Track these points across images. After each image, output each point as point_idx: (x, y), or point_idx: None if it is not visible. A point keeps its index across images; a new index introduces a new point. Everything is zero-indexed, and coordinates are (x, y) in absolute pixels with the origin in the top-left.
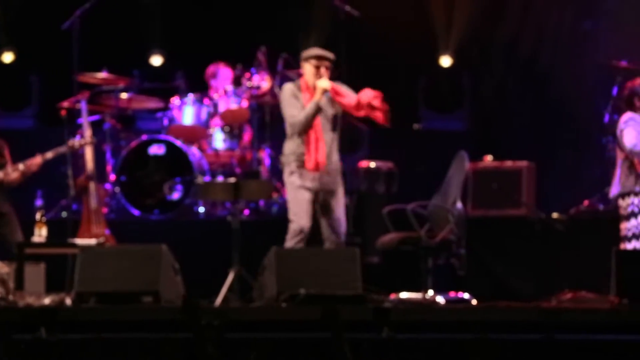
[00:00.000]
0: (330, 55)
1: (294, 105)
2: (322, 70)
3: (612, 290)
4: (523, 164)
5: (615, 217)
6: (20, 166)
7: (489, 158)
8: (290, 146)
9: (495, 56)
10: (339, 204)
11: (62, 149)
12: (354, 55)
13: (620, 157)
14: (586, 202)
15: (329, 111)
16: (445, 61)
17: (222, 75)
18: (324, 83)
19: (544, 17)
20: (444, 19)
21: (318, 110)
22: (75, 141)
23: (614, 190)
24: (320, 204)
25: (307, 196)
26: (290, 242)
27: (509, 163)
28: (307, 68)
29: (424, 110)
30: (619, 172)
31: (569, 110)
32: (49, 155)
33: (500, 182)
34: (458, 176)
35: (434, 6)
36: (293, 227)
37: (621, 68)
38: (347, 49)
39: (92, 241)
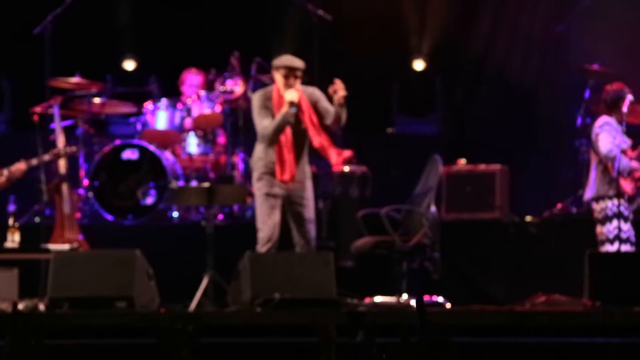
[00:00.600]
0: (299, 64)
1: (264, 115)
2: (292, 80)
3: (585, 293)
4: (496, 167)
5: (587, 219)
6: (5, 172)
7: (462, 162)
8: (259, 151)
9: (468, 60)
10: (309, 211)
11: (46, 157)
12: (327, 60)
13: (594, 160)
14: (559, 205)
15: (313, 116)
16: (419, 65)
17: (195, 80)
18: (291, 95)
19: (515, 21)
20: (417, 23)
21: (287, 122)
22: (61, 150)
23: (588, 193)
24: (290, 211)
25: (273, 203)
26: (260, 250)
27: (482, 166)
28: (277, 77)
29: (397, 114)
30: (593, 176)
31: (542, 113)
32: (34, 162)
33: (474, 185)
34: (432, 180)
35: (407, 10)
36: (260, 235)
37: (593, 71)
38: (320, 53)
39: (66, 246)
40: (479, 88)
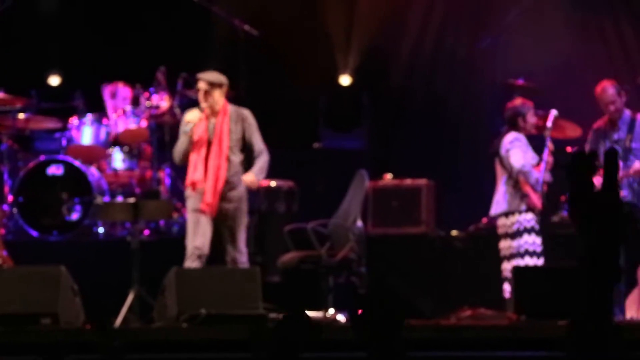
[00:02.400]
0: (209, 77)
1: (182, 132)
2: (203, 94)
3: (511, 307)
4: (422, 182)
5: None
6: None
7: (388, 176)
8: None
9: (395, 75)
10: (241, 234)
11: None
12: (254, 75)
13: (503, 175)
14: (484, 220)
15: (234, 135)
16: (345, 80)
17: (120, 95)
18: (190, 116)
19: (441, 36)
20: (343, 38)
21: (185, 141)
22: None
23: (496, 208)
24: (222, 230)
25: (199, 219)
26: (186, 264)
27: (408, 181)
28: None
29: (323, 129)
30: (502, 191)
31: (468, 128)
32: None
33: (400, 200)
34: (358, 195)
35: (333, 26)
36: (187, 249)
37: (518, 86)
38: (247, 69)
39: None
40: (405, 103)
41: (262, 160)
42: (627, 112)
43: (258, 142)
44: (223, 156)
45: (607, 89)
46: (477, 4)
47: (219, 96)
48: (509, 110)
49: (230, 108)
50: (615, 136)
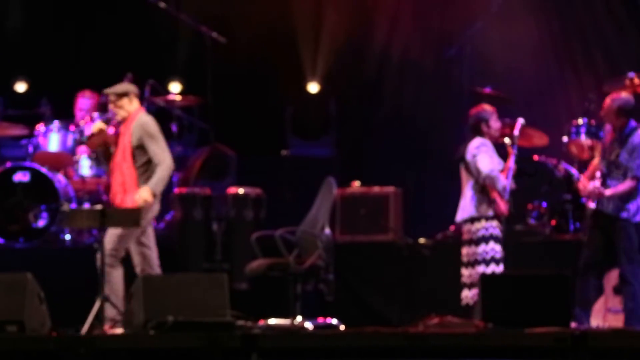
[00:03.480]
0: (112, 90)
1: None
2: (111, 106)
3: (478, 314)
4: (390, 189)
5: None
6: None
7: (356, 184)
8: None
9: (362, 83)
10: (149, 240)
11: None
12: (221, 82)
13: (468, 181)
14: (452, 227)
15: (134, 142)
16: (313, 88)
17: (88, 102)
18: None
19: (408, 44)
20: (311, 46)
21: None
22: None
23: (462, 214)
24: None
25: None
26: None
27: (376, 189)
28: None
29: (291, 137)
30: (469, 196)
31: (435, 136)
32: None
33: (368, 207)
34: (326, 202)
35: (301, 33)
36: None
37: (485, 95)
38: (214, 76)
39: None
40: (372, 111)
41: (160, 170)
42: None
43: (156, 150)
44: (126, 163)
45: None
46: (443, 14)
47: (127, 104)
48: (472, 117)
49: (139, 116)
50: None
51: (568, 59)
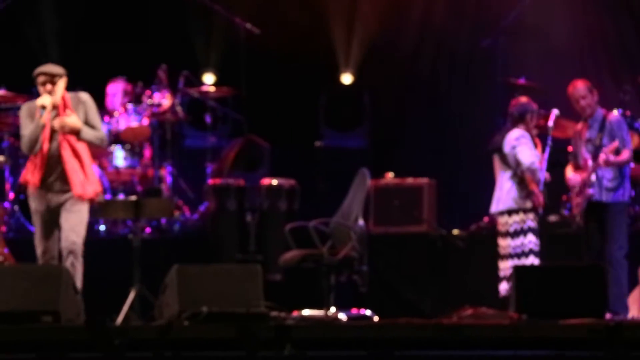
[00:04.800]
0: (53, 69)
1: (26, 125)
2: (49, 86)
3: (512, 306)
4: (424, 181)
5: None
6: None
7: (390, 175)
8: None
9: (396, 74)
10: (70, 217)
11: None
12: (255, 73)
13: (503, 172)
14: (486, 219)
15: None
16: (346, 79)
17: (122, 93)
18: (41, 100)
19: (442, 36)
20: (345, 36)
21: (39, 127)
22: None
23: (499, 205)
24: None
25: (38, 220)
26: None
27: (410, 180)
28: (38, 87)
29: (325, 128)
30: (506, 188)
31: (469, 127)
32: None
33: (402, 199)
34: (359, 193)
35: (335, 24)
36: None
37: (519, 85)
38: (248, 67)
39: None
40: (406, 102)
41: (97, 133)
42: (600, 111)
43: (98, 124)
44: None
45: (578, 85)
46: (478, 4)
47: (62, 87)
48: (517, 106)
49: (69, 95)
50: (587, 134)
51: (603, 49)
